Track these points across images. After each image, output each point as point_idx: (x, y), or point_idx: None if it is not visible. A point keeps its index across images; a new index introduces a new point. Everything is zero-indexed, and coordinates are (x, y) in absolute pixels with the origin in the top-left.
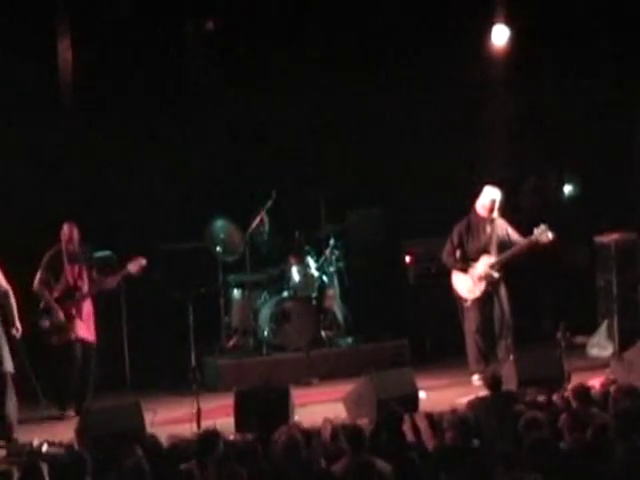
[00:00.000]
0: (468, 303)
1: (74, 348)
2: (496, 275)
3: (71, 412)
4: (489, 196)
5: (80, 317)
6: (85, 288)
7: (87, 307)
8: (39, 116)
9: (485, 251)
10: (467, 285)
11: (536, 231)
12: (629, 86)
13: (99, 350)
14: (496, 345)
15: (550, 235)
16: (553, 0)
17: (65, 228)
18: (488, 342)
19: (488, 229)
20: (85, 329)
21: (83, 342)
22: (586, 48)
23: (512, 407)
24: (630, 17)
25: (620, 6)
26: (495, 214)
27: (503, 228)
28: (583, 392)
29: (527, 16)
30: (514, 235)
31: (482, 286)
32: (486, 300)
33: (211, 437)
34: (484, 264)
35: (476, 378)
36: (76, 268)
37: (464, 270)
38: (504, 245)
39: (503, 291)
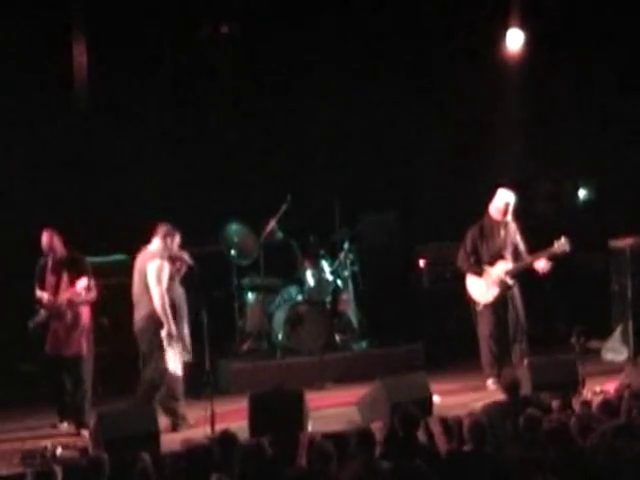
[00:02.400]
0: (480, 307)
1: (58, 362)
2: (510, 282)
3: (65, 425)
4: (503, 199)
5: (64, 329)
6: (64, 299)
7: (74, 317)
8: (54, 120)
9: (500, 255)
10: (481, 289)
11: (556, 244)
12: None
13: (112, 356)
14: (510, 349)
15: (568, 248)
16: (567, 4)
17: (43, 237)
18: (502, 346)
19: (502, 232)
20: (69, 341)
21: (66, 356)
22: (601, 52)
23: (528, 412)
24: None
25: (635, 10)
26: (509, 217)
27: (516, 233)
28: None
29: (542, 20)
30: (521, 245)
31: (496, 291)
32: (500, 304)
33: (228, 439)
34: (500, 270)
35: (491, 382)
36: (63, 277)
37: (479, 275)
38: (517, 249)
39: (517, 295)
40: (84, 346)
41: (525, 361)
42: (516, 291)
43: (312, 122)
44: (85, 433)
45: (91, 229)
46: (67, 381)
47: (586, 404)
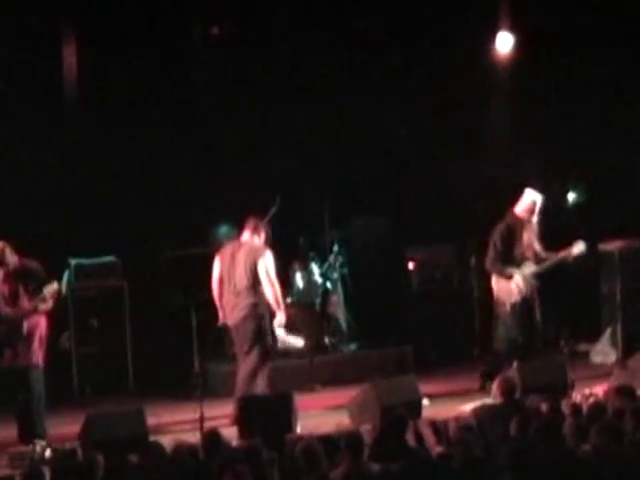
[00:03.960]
0: (508, 308)
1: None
2: (536, 283)
3: (38, 446)
4: (531, 198)
5: (21, 340)
6: (24, 309)
7: (31, 328)
8: (44, 120)
9: (525, 256)
10: (509, 290)
11: (575, 246)
12: (633, 93)
13: (101, 357)
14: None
15: (585, 250)
16: (557, 7)
17: None
18: (527, 347)
19: (526, 233)
20: (25, 352)
21: (18, 366)
22: (590, 55)
23: (520, 414)
24: (634, 25)
25: (624, 14)
26: (534, 218)
27: (537, 233)
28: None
29: (531, 23)
30: (538, 245)
31: (523, 291)
32: (526, 305)
33: (213, 439)
34: (527, 270)
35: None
36: (19, 287)
37: (509, 275)
38: (536, 249)
39: (537, 297)
40: (39, 356)
41: (514, 364)
42: (536, 294)
43: (302, 123)
44: (41, 443)
45: (80, 230)
46: (19, 392)
47: (575, 407)
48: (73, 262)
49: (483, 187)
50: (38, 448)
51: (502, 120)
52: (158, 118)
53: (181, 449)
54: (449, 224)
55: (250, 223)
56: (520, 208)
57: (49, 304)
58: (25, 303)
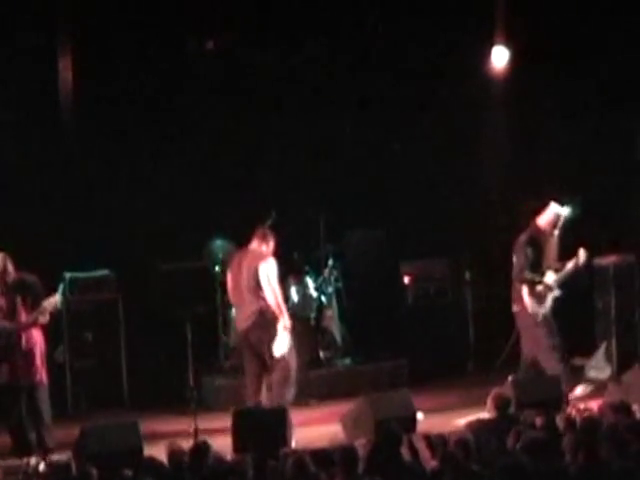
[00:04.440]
0: (540, 318)
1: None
2: (558, 293)
3: (32, 459)
4: (556, 212)
5: (16, 355)
6: (23, 323)
7: (29, 342)
8: (39, 134)
9: (548, 267)
10: (537, 300)
11: (581, 256)
12: (628, 107)
13: (95, 371)
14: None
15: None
16: (552, 21)
17: None
18: (562, 355)
19: (548, 245)
20: (27, 369)
21: (23, 385)
22: (585, 69)
23: (514, 429)
24: (630, 38)
25: (620, 27)
26: (556, 232)
27: (556, 247)
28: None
29: (527, 37)
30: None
31: (548, 301)
32: (551, 315)
33: (201, 450)
34: (550, 280)
35: (582, 389)
36: (16, 300)
37: (536, 286)
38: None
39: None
40: (43, 373)
41: (509, 378)
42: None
43: (298, 138)
44: (55, 457)
45: (75, 244)
46: (23, 410)
47: (570, 421)
48: (68, 276)
49: (478, 200)
50: (32, 461)
51: (497, 134)
52: (153, 131)
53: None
54: (443, 238)
55: (259, 232)
56: (543, 220)
57: (47, 317)
58: (23, 316)
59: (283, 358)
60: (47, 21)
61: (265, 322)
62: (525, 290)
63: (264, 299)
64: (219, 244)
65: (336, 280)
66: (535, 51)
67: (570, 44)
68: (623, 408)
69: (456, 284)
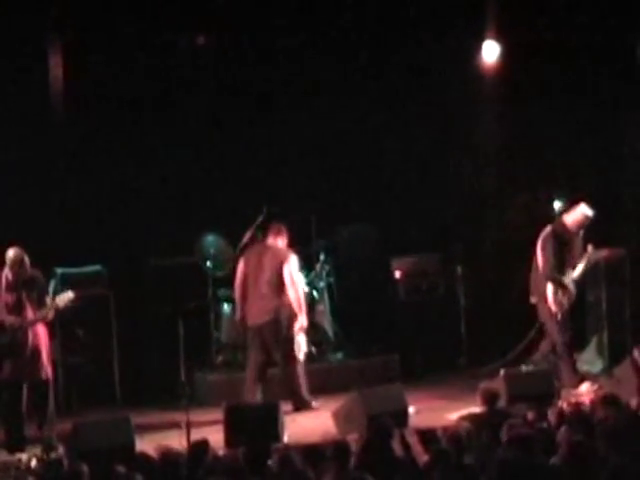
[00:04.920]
0: (560, 316)
1: (18, 388)
2: (574, 291)
3: (24, 455)
4: (584, 213)
5: (22, 351)
6: (30, 318)
7: (35, 338)
8: (30, 131)
9: (570, 265)
10: (559, 297)
11: (592, 252)
12: (619, 103)
13: (87, 367)
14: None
15: None
16: (543, 16)
17: (11, 254)
18: (570, 352)
19: (572, 244)
20: (34, 365)
21: (31, 380)
22: (576, 65)
23: (505, 423)
24: (620, 36)
25: (609, 25)
26: (581, 232)
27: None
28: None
29: (518, 32)
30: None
31: (566, 299)
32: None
33: (200, 448)
34: (569, 278)
35: (586, 386)
36: (22, 296)
37: (560, 283)
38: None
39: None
40: (49, 371)
41: (501, 372)
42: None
43: (289, 133)
44: (29, 452)
45: (66, 240)
46: (24, 407)
47: (562, 415)
48: (59, 271)
49: (470, 196)
50: (24, 458)
51: (488, 129)
52: (144, 128)
53: (168, 458)
54: (435, 233)
55: (274, 227)
56: (571, 219)
57: (52, 313)
58: (29, 312)
59: (296, 358)
60: (37, 18)
61: (283, 320)
62: (550, 288)
63: (285, 296)
64: (210, 240)
65: (328, 275)
66: (526, 46)
67: (561, 38)
68: (613, 402)
69: (448, 279)
